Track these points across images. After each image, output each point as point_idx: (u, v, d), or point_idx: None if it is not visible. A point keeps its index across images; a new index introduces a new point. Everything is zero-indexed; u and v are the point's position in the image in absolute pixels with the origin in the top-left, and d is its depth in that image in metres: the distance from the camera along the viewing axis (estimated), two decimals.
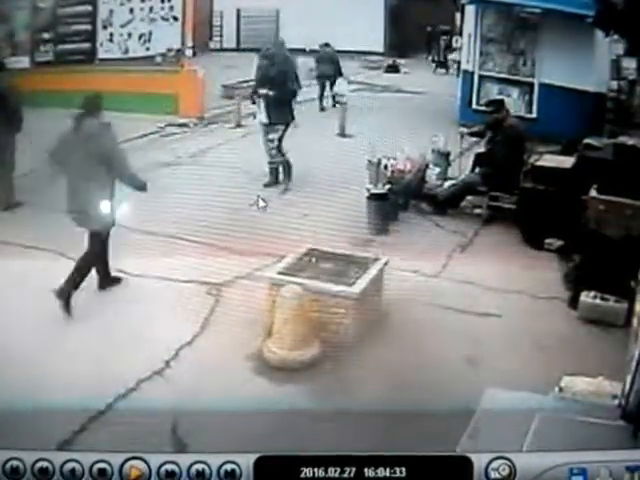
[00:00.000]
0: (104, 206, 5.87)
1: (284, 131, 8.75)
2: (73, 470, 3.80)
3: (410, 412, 5.03)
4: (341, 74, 10.44)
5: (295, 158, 8.95)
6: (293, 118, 8.85)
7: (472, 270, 7.15)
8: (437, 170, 9.14)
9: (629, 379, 4.22)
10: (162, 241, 7.35)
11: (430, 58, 12.91)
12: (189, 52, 11.30)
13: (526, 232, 7.86)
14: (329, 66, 10.30)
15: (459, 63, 12.05)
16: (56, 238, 7.02)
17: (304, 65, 12.98)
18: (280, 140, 8.74)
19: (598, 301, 6.54)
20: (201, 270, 6.81)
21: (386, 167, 8.52)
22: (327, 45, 10.28)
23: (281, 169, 8.82)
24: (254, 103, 8.74)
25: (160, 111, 10.51)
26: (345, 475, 3.84)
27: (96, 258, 6.07)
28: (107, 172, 5.85)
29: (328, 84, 10.51)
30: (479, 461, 3.83)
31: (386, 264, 6.63)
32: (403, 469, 3.84)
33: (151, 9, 11.06)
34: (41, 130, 8.46)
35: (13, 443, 3.95)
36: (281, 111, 8.63)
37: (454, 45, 12.82)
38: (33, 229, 7.31)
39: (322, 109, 10.21)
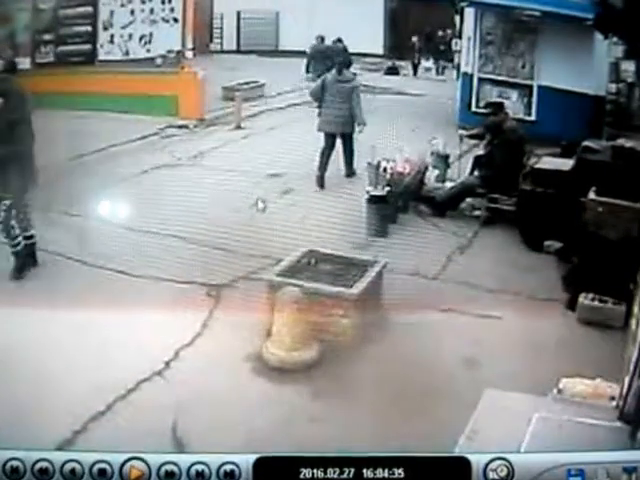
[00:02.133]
0: (346, 118, 9.00)
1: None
2: (73, 470, 3.80)
3: (409, 413, 5.05)
4: (351, 64, 12.28)
5: (295, 159, 8.98)
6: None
7: (471, 272, 7.17)
8: (436, 172, 9.17)
9: (627, 381, 4.24)
10: (162, 242, 7.37)
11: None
12: (189, 54, 11.30)
13: (525, 234, 7.88)
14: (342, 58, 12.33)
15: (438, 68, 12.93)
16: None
17: (303, 67, 13.04)
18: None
19: (596, 303, 6.56)
20: (201, 271, 6.83)
21: (385, 169, 8.53)
22: (340, 41, 12.22)
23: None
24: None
25: (160, 113, 10.52)
26: (344, 476, 3.85)
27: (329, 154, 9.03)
28: (349, 102, 9.01)
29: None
30: (477, 462, 3.84)
31: (385, 266, 6.65)
32: (401, 470, 3.85)
33: (152, 11, 11.07)
34: (41, 131, 8.50)
35: (13, 443, 3.95)
36: None
37: (453, 48, 12.87)
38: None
39: None
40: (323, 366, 5.81)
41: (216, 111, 11.43)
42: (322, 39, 11.91)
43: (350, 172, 9.00)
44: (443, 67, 13.25)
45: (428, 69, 13.36)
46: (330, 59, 11.51)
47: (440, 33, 13.33)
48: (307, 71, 11.93)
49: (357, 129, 8.98)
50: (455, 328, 6.22)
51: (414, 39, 13.59)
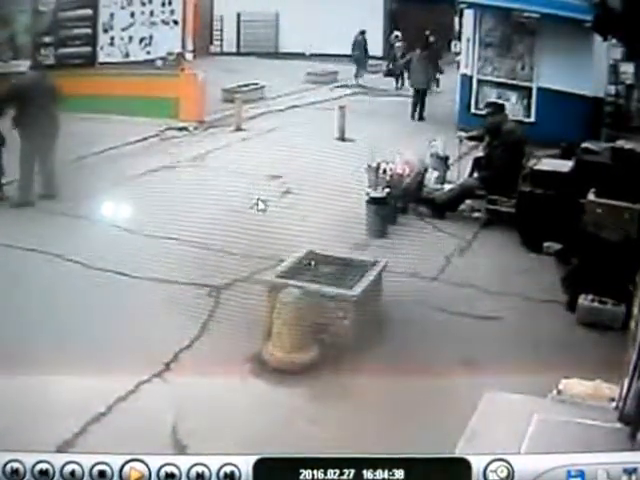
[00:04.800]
0: (424, 80, 12.16)
1: None
2: (73, 472, 3.80)
3: (409, 414, 5.05)
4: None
5: (295, 161, 8.99)
6: None
7: (471, 273, 7.18)
8: (436, 174, 9.18)
9: (626, 382, 4.24)
10: (162, 243, 7.38)
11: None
12: (189, 56, 11.33)
13: (524, 235, 7.89)
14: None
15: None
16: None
17: (302, 69, 13.07)
18: None
19: (596, 304, 6.56)
20: (201, 273, 6.84)
21: (385, 171, 8.55)
22: (397, 36, 13.46)
23: None
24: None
25: (160, 115, 10.55)
26: (344, 477, 3.85)
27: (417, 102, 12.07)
28: (426, 70, 12.18)
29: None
30: (477, 463, 3.84)
31: (385, 267, 6.65)
32: (402, 471, 3.85)
33: (152, 13, 11.09)
34: None
35: (13, 445, 3.95)
36: None
37: (453, 50, 12.85)
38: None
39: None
40: (323, 367, 5.82)
41: (216, 113, 11.45)
42: (362, 32, 13.48)
43: (421, 117, 12.07)
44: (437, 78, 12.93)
45: None
46: (366, 50, 13.69)
47: (431, 39, 12.85)
48: (351, 56, 13.84)
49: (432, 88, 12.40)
50: (454, 329, 6.22)
51: (398, 44, 13.37)
